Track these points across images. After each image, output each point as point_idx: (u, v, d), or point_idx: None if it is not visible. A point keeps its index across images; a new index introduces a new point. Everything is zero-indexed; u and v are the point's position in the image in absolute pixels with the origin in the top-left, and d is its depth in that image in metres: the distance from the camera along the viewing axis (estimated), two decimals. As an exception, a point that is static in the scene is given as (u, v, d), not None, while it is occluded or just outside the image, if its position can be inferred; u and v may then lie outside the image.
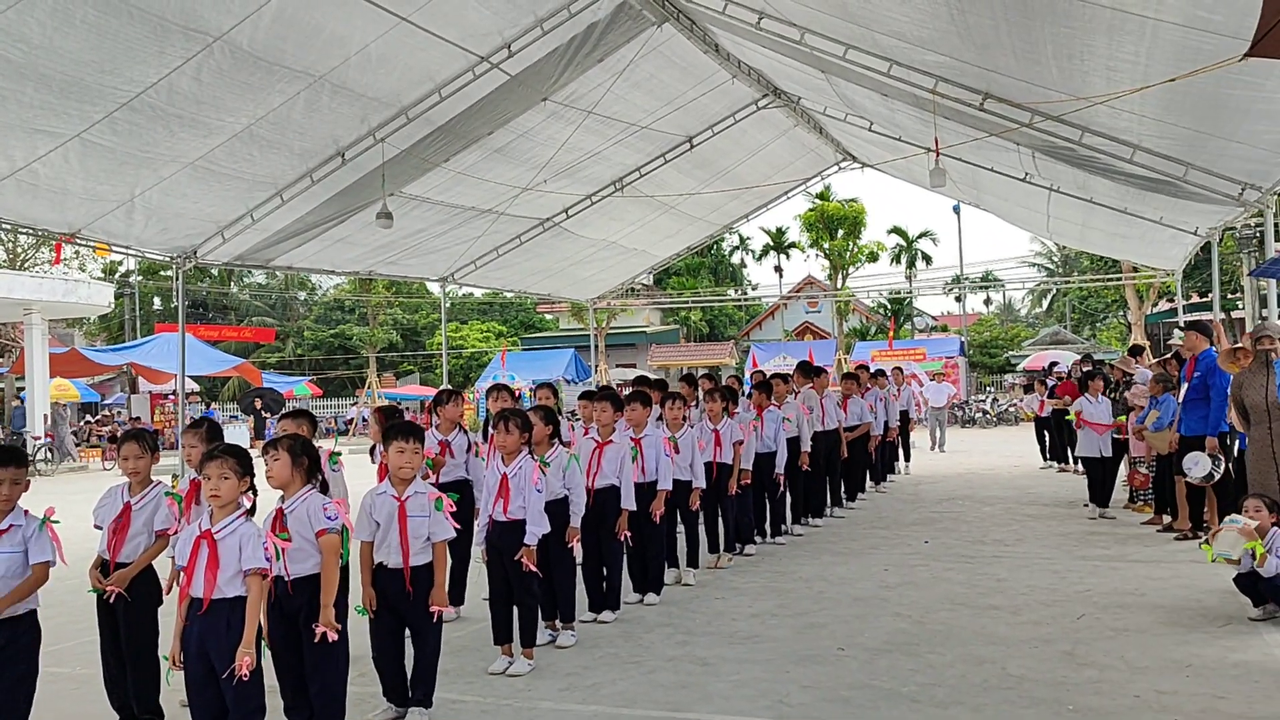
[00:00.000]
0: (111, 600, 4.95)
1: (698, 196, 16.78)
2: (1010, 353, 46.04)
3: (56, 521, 4.55)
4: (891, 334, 39.04)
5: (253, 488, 4.28)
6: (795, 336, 49.20)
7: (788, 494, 10.85)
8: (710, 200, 17.45)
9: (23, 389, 30.21)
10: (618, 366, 43.71)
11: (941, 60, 8.80)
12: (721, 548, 9.26)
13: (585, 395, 8.15)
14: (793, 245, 53.49)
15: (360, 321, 52.36)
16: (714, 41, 11.85)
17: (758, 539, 10.05)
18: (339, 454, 6.14)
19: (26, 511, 4.52)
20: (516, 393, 11.55)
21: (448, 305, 21.37)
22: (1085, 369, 14.69)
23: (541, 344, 48.73)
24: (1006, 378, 40.45)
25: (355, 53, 9.50)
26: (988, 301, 68.38)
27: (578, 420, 8.75)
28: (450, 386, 10.77)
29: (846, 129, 15.07)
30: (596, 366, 32.75)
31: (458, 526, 5.21)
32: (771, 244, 55.10)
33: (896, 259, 51.06)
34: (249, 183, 11.24)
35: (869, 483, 14.43)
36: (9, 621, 4.37)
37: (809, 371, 12.31)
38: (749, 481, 9.49)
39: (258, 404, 33.32)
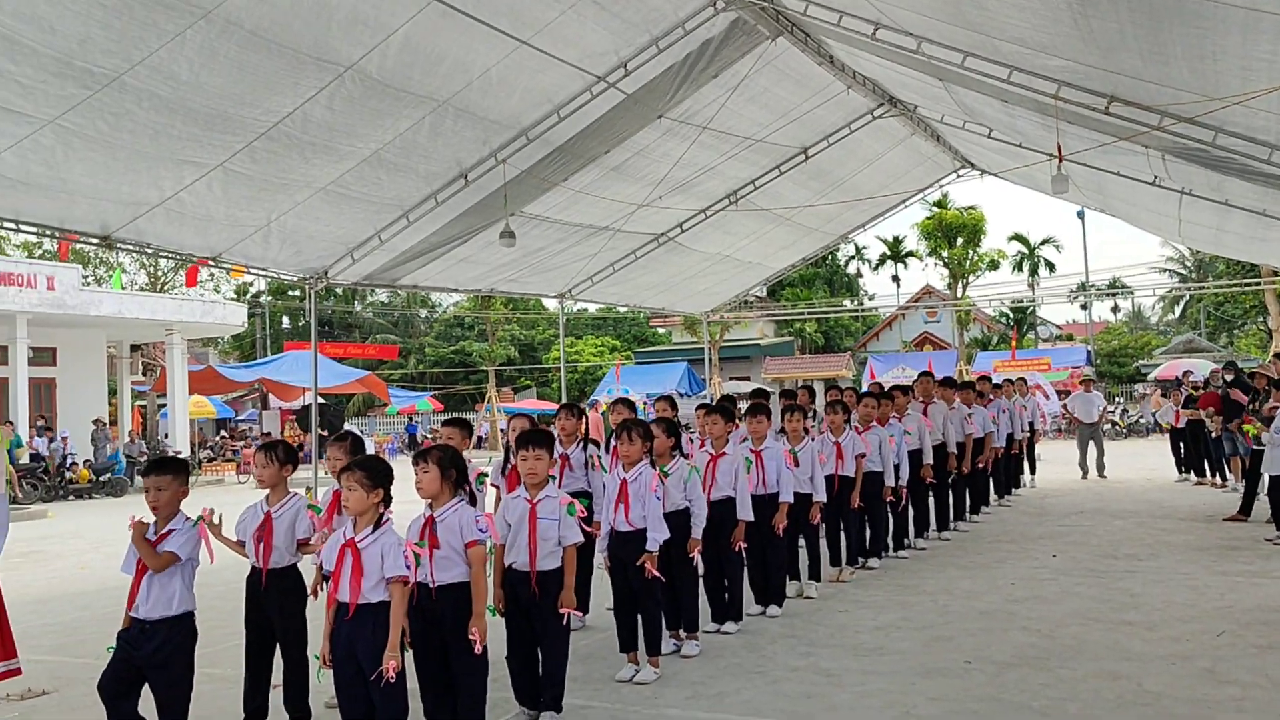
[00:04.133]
0: (264, 587, 5.23)
1: (813, 208, 16.72)
2: (1140, 361, 44.41)
3: (215, 523, 4.85)
4: (1014, 343, 38.09)
5: (387, 498, 4.46)
6: (914, 347, 48.40)
7: (910, 508, 10.73)
8: (825, 211, 17.35)
9: (164, 405, 31.76)
10: (731, 379, 43.66)
11: (1064, 65, 8.62)
12: (844, 561, 9.21)
13: (702, 408, 8.23)
14: (910, 254, 52.69)
15: (479, 338, 53.47)
16: (829, 53, 11.84)
17: (882, 553, 9.96)
18: (486, 475, 6.33)
19: (187, 517, 4.82)
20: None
21: (564, 321, 21.70)
22: (1228, 378, 14.13)
23: (655, 358, 48.98)
24: (1137, 387, 39.03)
25: (477, 77, 9.81)
26: (1115, 309, 66.16)
27: (694, 433, 8.83)
28: (570, 401, 10.95)
29: (964, 136, 14.83)
30: (710, 380, 32.78)
31: (589, 530, 5.34)
32: (888, 253, 54.36)
33: (1018, 267, 49.84)
34: (377, 205, 11.67)
35: (993, 496, 14.13)
36: (166, 622, 4.65)
37: (931, 382, 12.12)
38: (891, 498, 9.51)
39: None
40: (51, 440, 24.84)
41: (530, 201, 12.82)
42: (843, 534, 9.25)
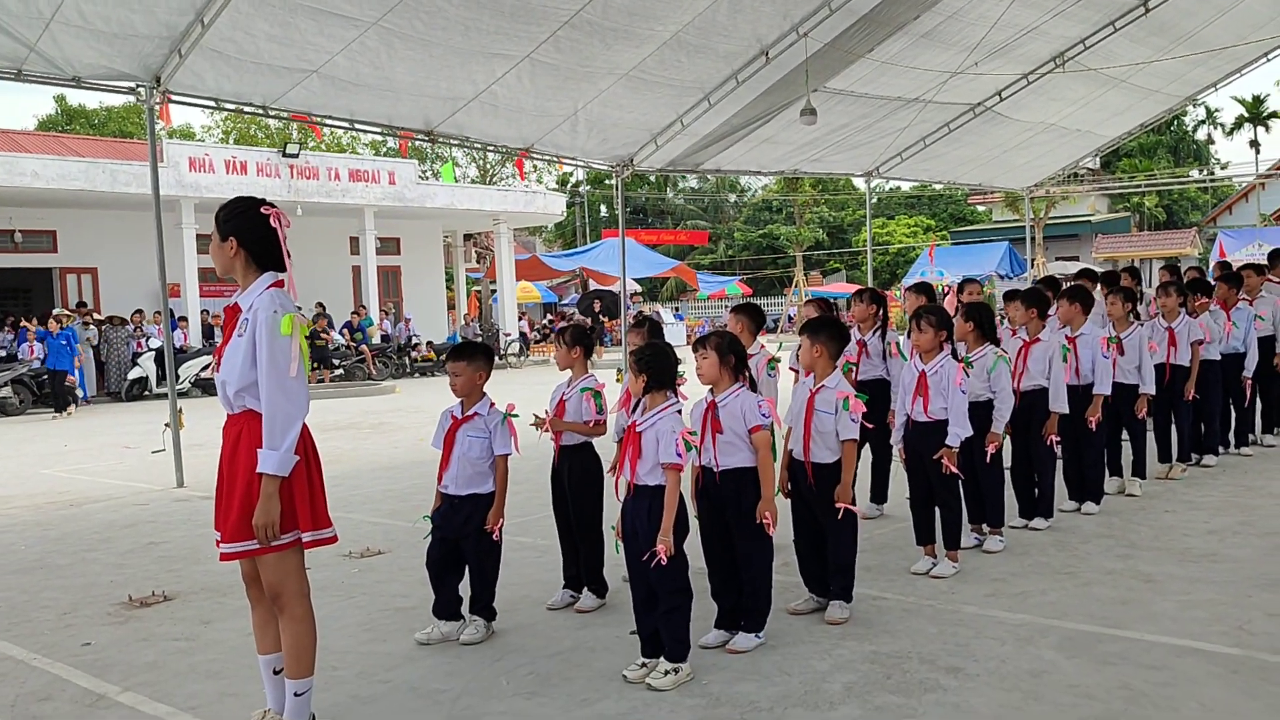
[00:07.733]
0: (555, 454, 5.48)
1: (1153, 66, 14.97)
2: None
3: (516, 415, 5.08)
4: (1404, 215, 32.97)
5: (656, 383, 4.44)
6: (1274, 221, 43.02)
7: (1259, 400, 9.63)
8: (1169, 69, 15.50)
9: (496, 291, 34.06)
10: (1057, 259, 40.82)
11: None
12: (1174, 457, 8.44)
13: (1009, 294, 7.70)
14: (1272, 115, 46.57)
15: (787, 221, 53.08)
16: (1176, -115, 10.40)
17: (1220, 449, 9.04)
18: (778, 360, 6.21)
19: (493, 404, 5.07)
20: (945, 290, 11.06)
21: (873, 201, 21.01)
22: None
23: (972, 238, 46.60)
24: None
25: (776, -54, 9.44)
26: None
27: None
28: (866, 286, 10.57)
29: (1349, -29, 12.69)
30: (1033, 260, 30.79)
31: (869, 426, 5.14)
32: (1246, 115, 48.33)
33: None
34: (678, 89, 11.65)
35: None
36: (474, 498, 4.96)
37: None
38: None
39: (596, 306, 34.43)
40: (396, 321, 27.35)
41: (833, 76, 12.34)
42: (1174, 427, 8.45)
